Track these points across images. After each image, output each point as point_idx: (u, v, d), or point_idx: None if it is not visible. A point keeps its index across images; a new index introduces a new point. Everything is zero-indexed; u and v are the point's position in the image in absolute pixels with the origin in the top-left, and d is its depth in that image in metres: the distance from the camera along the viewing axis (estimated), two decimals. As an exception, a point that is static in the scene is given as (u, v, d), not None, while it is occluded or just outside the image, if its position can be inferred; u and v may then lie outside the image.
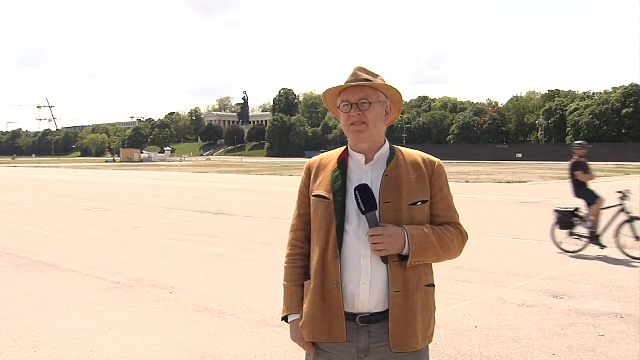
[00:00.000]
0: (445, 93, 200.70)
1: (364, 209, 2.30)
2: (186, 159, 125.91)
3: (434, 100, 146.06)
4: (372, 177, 2.43)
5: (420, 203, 2.41)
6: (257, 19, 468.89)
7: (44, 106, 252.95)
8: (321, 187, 2.49)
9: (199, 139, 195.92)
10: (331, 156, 2.57)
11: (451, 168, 57.35)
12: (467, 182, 32.44)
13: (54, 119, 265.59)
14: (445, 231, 2.43)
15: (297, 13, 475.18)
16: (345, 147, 2.55)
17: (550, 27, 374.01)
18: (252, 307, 6.72)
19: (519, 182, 32.85)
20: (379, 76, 2.50)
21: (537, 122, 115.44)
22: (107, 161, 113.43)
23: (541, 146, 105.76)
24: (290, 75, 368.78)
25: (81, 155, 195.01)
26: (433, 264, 2.51)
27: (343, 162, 2.49)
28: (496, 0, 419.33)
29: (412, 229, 2.34)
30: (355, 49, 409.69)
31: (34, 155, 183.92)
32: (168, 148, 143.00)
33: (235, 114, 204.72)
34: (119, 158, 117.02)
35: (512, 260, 9.45)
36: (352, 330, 2.39)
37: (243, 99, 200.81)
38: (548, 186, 29.54)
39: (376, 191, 2.38)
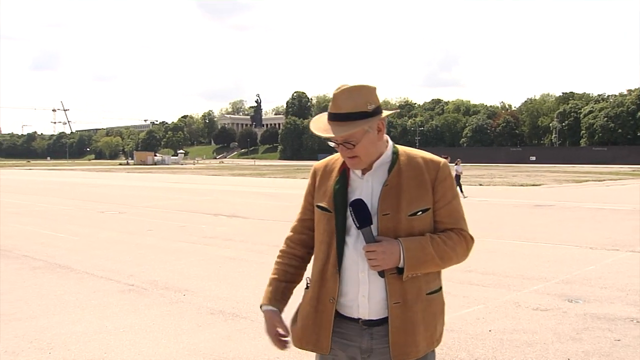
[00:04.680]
0: (458, 96, 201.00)
1: (358, 225, 2.30)
2: (199, 161, 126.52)
3: (447, 103, 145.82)
4: (373, 187, 2.40)
5: (420, 212, 2.36)
6: (268, 21, 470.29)
7: (58, 109, 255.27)
8: (324, 198, 2.47)
9: (212, 141, 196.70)
10: (336, 161, 2.53)
11: (464, 171, 56.99)
12: (481, 185, 32.33)
13: (68, 122, 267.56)
14: (447, 239, 2.37)
15: (309, 15, 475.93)
16: None
17: (565, 29, 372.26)
18: (266, 309, 6.71)
19: (533, 185, 32.69)
20: (363, 87, 2.34)
21: (551, 124, 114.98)
22: (120, 164, 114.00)
23: (555, 149, 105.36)
24: (303, 78, 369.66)
25: (95, 158, 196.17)
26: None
27: (344, 173, 2.47)
28: (509, 2, 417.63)
29: (408, 241, 2.30)
30: (367, 51, 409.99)
31: (48, 158, 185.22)
32: (181, 151, 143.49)
33: (249, 116, 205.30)
34: (132, 161, 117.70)
35: (526, 263, 9.40)
36: (356, 331, 2.41)
37: (256, 101, 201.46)
38: (562, 189, 29.38)
39: (375, 202, 2.36)
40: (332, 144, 2.40)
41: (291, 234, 2.71)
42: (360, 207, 2.30)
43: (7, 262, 9.81)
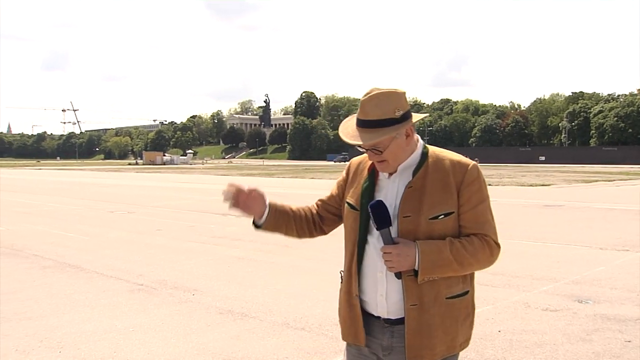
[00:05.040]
0: (467, 95, 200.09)
1: (376, 226, 2.32)
2: (208, 161, 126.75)
3: (455, 103, 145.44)
4: (398, 188, 2.41)
5: (442, 216, 2.34)
6: (276, 21, 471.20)
7: (68, 109, 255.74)
8: (354, 195, 2.52)
9: (221, 141, 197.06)
10: (369, 160, 2.55)
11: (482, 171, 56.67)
12: (490, 185, 32.07)
13: (77, 122, 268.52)
14: (468, 244, 2.33)
15: (317, 15, 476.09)
16: None
17: (574, 28, 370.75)
18: (275, 309, 6.73)
19: (542, 185, 32.56)
20: (392, 93, 2.34)
21: (560, 124, 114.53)
22: (129, 164, 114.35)
23: (564, 149, 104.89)
24: (312, 78, 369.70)
25: (104, 158, 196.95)
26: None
27: (373, 172, 2.50)
28: (519, 2, 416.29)
29: (425, 244, 2.29)
30: (375, 51, 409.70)
31: (58, 158, 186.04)
32: (190, 151, 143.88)
33: (257, 116, 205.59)
34: (141, 161, 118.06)
35: (536, 263, 9.37)
36: (378, 329, 2.44)
37: (265, 101, 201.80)
38: (572, 189, 29.26)
39: (398, 204, 2.37)
40: (361, 149, 2.44)
41: (315, 203, 2.77)
42: (379, 209, 2.30)
43: (18, 262, 9.86)
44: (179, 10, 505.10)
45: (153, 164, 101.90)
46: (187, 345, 5.53)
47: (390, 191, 2.42)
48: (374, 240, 2.38)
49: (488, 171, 53.07)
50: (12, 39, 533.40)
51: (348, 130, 2.42)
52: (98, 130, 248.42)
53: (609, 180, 37.77)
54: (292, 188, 31.45)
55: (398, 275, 2.32)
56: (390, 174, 2.44)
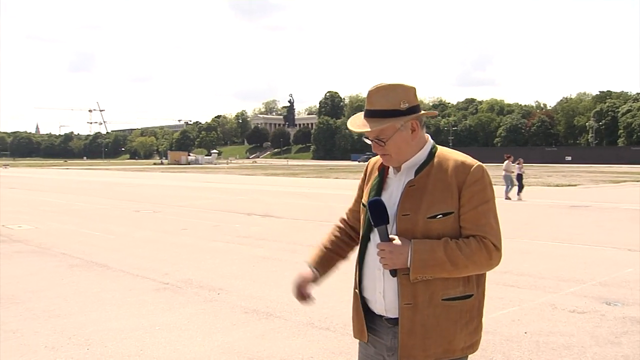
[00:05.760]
0: (492, 95, 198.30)
1: (373, 223, 2.35)
2: (232, 161, 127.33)
3: (480, 103, 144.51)
4: (402, 187, 2.42)
5: (440, 216, 2.32)
6: (300, 21, 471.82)
7: (94, 110, 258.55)
8: (366, 194, 2.55)
9: (245, 141, 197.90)
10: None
11: (498, 171, 56.30)
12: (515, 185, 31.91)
13: (104, 122, 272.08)
14: (465, 245, 2.29)
15: (342, 15, 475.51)
16: None
17: (601, 26, 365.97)
18: (299, 309, 6.72)
19: (569, 185, 32.22)
20: (399, 86, 2.39)
21: (587, 124, 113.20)
22: (155, 164, 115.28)
23: (591, 149, 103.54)
24: (336, 77, 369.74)
25: (130, 158, 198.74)
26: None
27: (382, 171, 2.53)
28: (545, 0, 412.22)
29: (418, 243, 2.29)
30: (400, 50, 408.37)
31: (84, 158, 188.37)
32: (215, 150, 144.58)
33: (281, 116, 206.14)
34: (166, 160, 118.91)
35: (562, 265, 9.27)
36: (383, 329, 2.46)
37: (289, 101, 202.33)
38: (599, 190, 28.91)
39: (398, 202, 2.39)
40: (367, 141, 2.47)
41: (345, 215, 2.82)
42: (376, 206, 2.34)
43: (46, 260, 10.00)
44: (204, 11, 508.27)
45: (178, 164, 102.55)
46: (213, 344, 5.56)
47: (395, 189, 2.44)
48: (376, 237, 2.40)
49: (513, 171, 52.59)
50: (40, 41, 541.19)
51: (356, 121, 2.47)
52: (124, 131, 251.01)
53: (637, 181, 37.24)
54: (316, 188, 31.48)
55: (393, 272, 2.33)
56: (398, 171, 2.46)
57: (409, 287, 2.32)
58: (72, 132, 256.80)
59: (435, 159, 2.41)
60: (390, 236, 2.33)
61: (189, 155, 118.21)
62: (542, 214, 17.31)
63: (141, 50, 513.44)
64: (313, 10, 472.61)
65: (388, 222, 2.33)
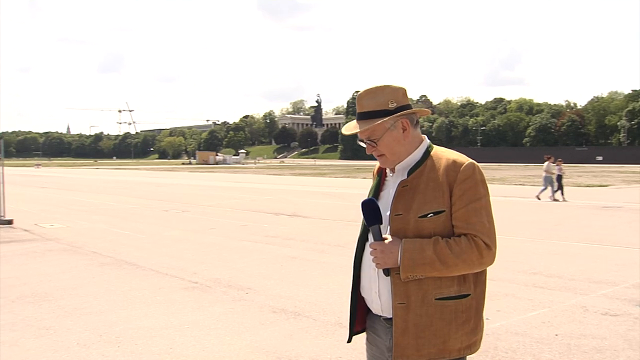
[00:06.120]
0: (521, 94, 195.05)
1: (366, 223, 2.41)
2: (260, 161, 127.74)
3: (509, 102, 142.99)
4: (396, 187, 2.46)
5: (431, 214, 2.33)
6: (328, 21, 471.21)
7: (124, 110, 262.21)
8: (367, 196, 2.59)
9: (273, 141, 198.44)
10: None
11: (527, 171, 55.97)
12: (545, 185, 31.56)
13: (133, 122, 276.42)
14: (454, 244, 2.28)
15: (369, 14, 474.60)
16: None
17: (634, 23, 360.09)
18: (328, 309, 6.74)
19: (600, 185, 31.78)
20: (387, 87, 2.44)
21: (619, 123, 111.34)
22: (183, 163, 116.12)
23: (623, 148, 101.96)
24: (364, 77, 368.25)
25: (158, 158, 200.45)
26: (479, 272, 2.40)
27: (381, 172, 2.59)
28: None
29: (408, 242, 2.31)
30: (427, 50, 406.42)
31: (114, 158, 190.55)
32: (242, 150, 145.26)
33: (309, 116, 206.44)
34: (194, 160, 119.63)
35: (594, 266, 9.14)
36: (382, 329, 2.49)
37: (317, 101, 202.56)
38: (631, 190, 28.44)
39: (391, 202, 2.43)
40: (362, 144, 2.52)
41: None
42: (369, 206, 2.39)
43: (78, 258, 10.14)
44: (231, 12, 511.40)
45: (206, 164, 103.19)
46: (241, 343, 5.59)
47: (391, 190, 2.47)
48: (371, 237, 2.43)
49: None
50: (70, 42, 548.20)
51: (349, 125, 2.52)
52: (152, 131, 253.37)
53: (670, 181, 36.56)
54: (344, 188, 31.45)
55: (386, 272, 2.36)
56: (393, 174, 2.51)
57: (402, 287, 2.33)
58: (102, 132, 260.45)
59: (429, 159, 2.43)
60: (384, 236, 2.36)
61: (217, 155, 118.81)
62: (572, 215, 17.10)
63: (169, 50, 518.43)
64: (341, 10, 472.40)
65: (381, 222, 2.37)
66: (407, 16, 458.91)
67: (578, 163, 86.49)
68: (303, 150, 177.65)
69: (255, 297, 7.36)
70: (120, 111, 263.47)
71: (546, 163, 23.01)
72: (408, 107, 2.43)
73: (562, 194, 22.42)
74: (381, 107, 2.40)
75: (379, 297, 2.42)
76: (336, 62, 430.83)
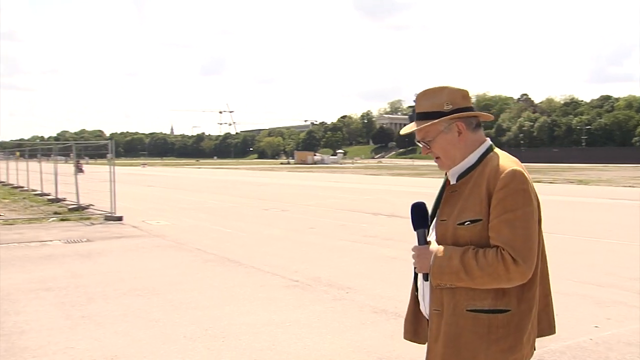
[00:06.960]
0: (630, 91, 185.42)
1: (413, 226, 2.40)
2: (357, 161, 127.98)
3: (617, 100, 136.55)
4: (445, 192, 2.46)
5: (468, 222, 2.25)
6: (425, 20, 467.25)
7: (224, 111, 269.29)
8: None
9: (370, 141, 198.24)
10: None
11: (637, 172, 53.18)
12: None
13: (233, 123, 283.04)
14: (481, 256, 2.18)
15: (466, 13, 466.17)
16: None
17: None
18: (428, 311, 6.64)
19: None
20: (445, 88, 2.40)
21: None
22: (282, 163, 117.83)
23: None
24: (462, 76, 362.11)
25: (258, 158, 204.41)
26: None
27: (446, 176, 2.55)
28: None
29: (441, 250, 2.28)
30: (528, 46, 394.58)
31: (215, 158, 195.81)
32: (340, 150, 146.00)
33: (407, 116, 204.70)
34: (293, 160, 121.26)
35: None
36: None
37: (414, 101, 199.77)
38: None
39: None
40: (419, 144, 2.50)
41: None
42: (417, 210, 2.41)
43: (183, 254, 10.49)
44: (328, 12, 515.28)
45: (304, 164, 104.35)
46: (343, 342, 5.60)
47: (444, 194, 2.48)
48: (417, 240, 2.43)
49: (655, 172, 49.29)
50: (175, 47, 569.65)
51: (409, 125, 2.51)
52: (252, 131, 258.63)
53: None
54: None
55: (425, 277, 2.36)
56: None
57: (437, 294, 2.33)
58: (203, 133, 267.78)
59: (481, 164, 2.34)
60: (428, 240, 2.36)
61: (315, 155, 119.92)
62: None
63: (268, 52, 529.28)
64: (437, 9, 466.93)
65: (427, 227, 2.38)
66: (506, 12, 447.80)
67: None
68: (401, 150, 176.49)
69: (355, 296, 7.37)
70: (221, 112, 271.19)
71: None
72: (466, 110, 2.36)
73: None
74: (436, 109, 2.37)
75: (423, 300, 2.43)
76: (433, 61, 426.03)
